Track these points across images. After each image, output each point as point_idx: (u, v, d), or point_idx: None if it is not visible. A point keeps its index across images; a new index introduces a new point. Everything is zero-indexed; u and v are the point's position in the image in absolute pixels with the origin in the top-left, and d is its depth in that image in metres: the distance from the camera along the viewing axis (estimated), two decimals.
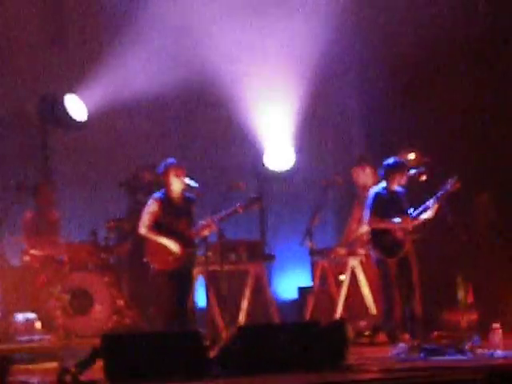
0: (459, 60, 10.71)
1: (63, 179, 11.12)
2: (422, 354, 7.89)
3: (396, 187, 9.12)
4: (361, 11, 11.44)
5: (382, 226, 9.00)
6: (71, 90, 11.06)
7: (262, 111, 11.59)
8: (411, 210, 9.04)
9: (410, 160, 9.60)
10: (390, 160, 9.13)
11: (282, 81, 11.55)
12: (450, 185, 8.91)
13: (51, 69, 11.22)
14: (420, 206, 9.00)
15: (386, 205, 9.02)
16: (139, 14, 11.14)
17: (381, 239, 9.02)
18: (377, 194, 9.09)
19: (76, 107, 11.04)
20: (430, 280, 9.46)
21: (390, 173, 9.07)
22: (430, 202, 8.92)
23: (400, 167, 9.07)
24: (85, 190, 11.10)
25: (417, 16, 10.84)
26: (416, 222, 9.03)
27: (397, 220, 8.97)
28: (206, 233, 8.91)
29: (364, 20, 11.45)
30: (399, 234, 8.99)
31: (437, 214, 8.94)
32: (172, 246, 8.65)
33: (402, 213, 8.99)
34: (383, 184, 9.12)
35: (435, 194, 8.93)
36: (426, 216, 9.00)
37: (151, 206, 8.83)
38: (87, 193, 11.09)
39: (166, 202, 8.81)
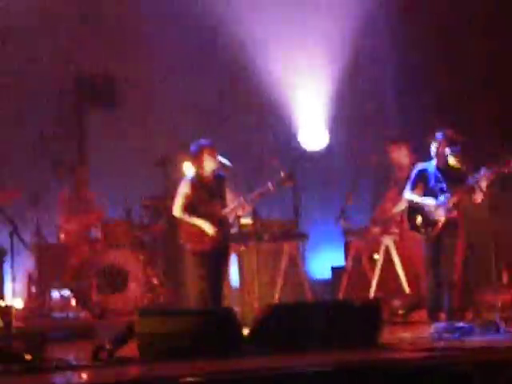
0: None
1: (99, 157, 11.18)
2: (457, 334, 7.85)
3: (447, 165, 8.88)
4: None
5: (418, 202, 8.86)
6: (108, 68, 11.11)
7: (297, 89, 11.56)
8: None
9: (450, 139, 9.40)
10: (434, 138, 8.96)
11: (317, 58, 11.51)
12: (500, 165, 8.63)
13: (89, 47, 11.25)
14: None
15: (427, 181, 8.86)
16: None
17: (415, 215, 8.89)
18: (420, 170, 8.91)
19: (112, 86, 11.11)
20: (469, 258, 9.37)
21: (433, 150, 8.91)
22: (474, 179, 8.66)
23: (441, 145, 8.85)
24: (121, 169, 11.13)
25: None
26: (459, 201, 8.82)
27: (437, 202, 8.79)
28: (239, 213, 8.90)
29: None
30: (434, 214, 8.81)
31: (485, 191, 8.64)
32: (206, 226, 8.65)
33: (447, 191, 8.79)
34: (430, 162, 8.94)
35: (488, 168, 8.62)
36: (472, 196, 8.75)
37: (183, 187, 8.83)
38: (123, 171, 11.13)
39: (199, 182, 8.80)
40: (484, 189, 8.55)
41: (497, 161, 8.65)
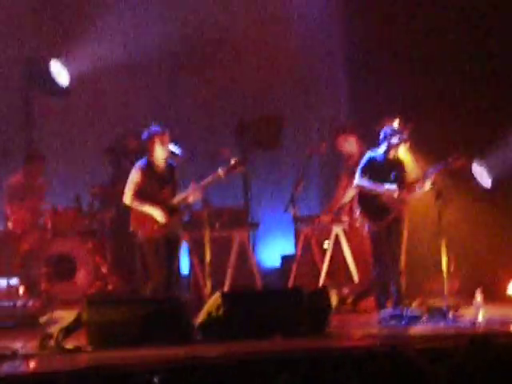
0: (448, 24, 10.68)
1: (48, 145, 11.05)
2: (404, 321, 7.94)
3: (394, 155, 9.01)
4: None
5: (369, 188, 8.91)
6: (55, 55, 10.97)
7: (247, 77, 11.54)
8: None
9: (397, 127, 9.48)
10: (383, 127, 9.04)
11: (267, 44, 11.50)
12: (452, 160, 8.75)
13: (36, 33, 11.10)
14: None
15: (378, 170, 8.94)
16: None
17: (367, 203, 8.94)
18: (370, 158, 8.99)
19: (60, 72, 10.97)
20: (415, 248, 9.46)
21: (382, 139, 8.98)
22: (426, 173, 8.79)
23: (389, 134, 8.94)
24: (69, 156, 11.04)
25: None
26: (408, 193, 8.90)
27: (387, 186, 8.90)
28: (190, 200, 8.89)
29: None
30: (387, 200, 8.87)
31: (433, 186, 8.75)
32: (156, 214, 8.62)
33: (396, 181, 8.90)
34: (381, 149, 9.01)
35: (434, 166, 8.81)
36: (420, 188, 8.84)
37: (135, 175, 8.76)
38: (72, 159, 11.03)
39: (150, 170, 8.74)
40: (431, 184, 8.68)
41: (447, 156, 8.78)
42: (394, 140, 8.89)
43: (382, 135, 8.97)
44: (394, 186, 8.84)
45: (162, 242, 8.64)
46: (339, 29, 11.79)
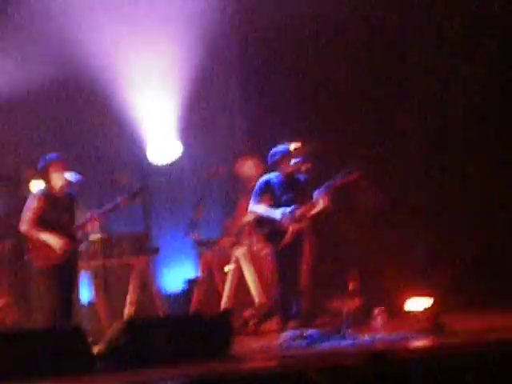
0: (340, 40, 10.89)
1: None
2: (306, 341, 8.00)
3: (293, 175, 9.05)
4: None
5: (263, 214, 8.97)
6: None
7: (146, 103, 11.51)
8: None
9: (294, 150, 9.58)
10: (275, 149, 9.13)
11: (165, 72, 11.48)
12: (343, 176, 8.87)
13: None
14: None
15: (274, 192, 9.00)
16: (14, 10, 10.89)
17: (264, 226, 9.01)
18: (265, 182, 9.07)
19: None
20: (317, 266, 9.55)
21: (274, 162, 9.08)
22: (319, 192, 8.89)
23: (283, 156, 9.05)
24: None
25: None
26: (304, 213, 8.97)
27: (281, 210, 8.94)
28: (89, 228, 8.81)
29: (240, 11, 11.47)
30: (283, 222, 8.93)
31: (328, 204, 8.86)
32: (53, 241, 8.51)
33: (296, 200, 8.94)
34: (274, 173, 9.09)
35: (324, 185, 8.91)
36: (316, 208, 8.95)
37: (32, 203, 8.70)
38: None
39: (48, 197, 8.68)
40: (326, 202, 8.79)
41: (340, 173, 8.91)
42: (290, 162, 8.99)
43: (276, 157, 9.06)
44: (287, 209, 8.92)
45: (58, 270, 8.53)
46: (234, 51, 11.89)
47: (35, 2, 10.83)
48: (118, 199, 8.69)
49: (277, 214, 8.92)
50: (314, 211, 8.91)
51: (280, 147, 9.09)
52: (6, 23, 10.88)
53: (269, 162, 9.14)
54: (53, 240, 8.53)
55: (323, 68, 10.84)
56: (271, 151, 9.10)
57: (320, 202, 8.83)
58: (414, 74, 10.79)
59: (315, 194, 8.90)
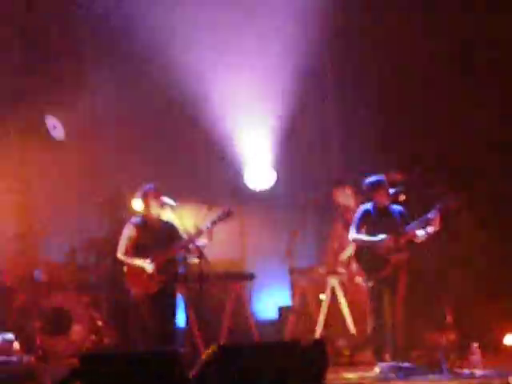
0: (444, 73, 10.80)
1: (43, 197, 11.05)
2: (401, 374, 7.90)
3: (389, 205, 8.99)
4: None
5: (365, 241, 8.89)
6: (50, 111, 11.06)
7: (242, 130, 11.61)
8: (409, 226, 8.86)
9: (390, 180, 9.50)
10: (370, 178, 9.07)
11: (262, 101, 11.58)
12: (451, 200, 8.77)
13: (32, 90, 11.17)
14: (416, 221, 8.87)
15: (372, 222, 8.93)
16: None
17: (364, 256, 8.93)
18: (365, 211, 9.01)
19: (55, 127, 11.05)
20: (413, 299, 9.44)
21: (370, 190, 9.02)
22: (431, 214, 8.78)
23: (379, 185, 8.98)
24: (64, 209, 11.04)
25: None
26: (408, 238, 8.81)
27: (381, 237, 8.88)
28: (186, 251, 8.91)
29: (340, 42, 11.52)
30: (383, 252, 8.85)
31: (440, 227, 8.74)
32: (146, 266, 8.68)
33: (392, 231, 8.88)
34: (371, 202, 9.03)
35: (434, 207, 8.76)
36: (427, 230, 8.79)
37: (128, 231, 8.93)
38: (67, 212, 11.03)
39: (143, 225, 8.87)
40: (432, 230, 8.68)
41: (443, 200, 8.78)
42: (386, 192, 8.91)
43: (372, 186, 8.99)
44: (389, 237, 8.82)
45: (156, 296, 8.65)
46: (331, 81, 11.93)
47: (144, 34, 11.11)
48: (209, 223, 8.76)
49: (378, 238, 8.81)
50: (426, 234, 8.75)
51: (376, 177, 9.01)
52: (118, 54, 11.19)
53: (365, 191, 9.08)
54: (144, 265, 8.70)
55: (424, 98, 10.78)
56: (366, 180, 9.04)
57: (432, 224, 8.69)
58: None
59: (426, 216, 8.75)
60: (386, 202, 8.94)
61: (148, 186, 8.97)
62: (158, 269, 8.71)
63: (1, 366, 9.17)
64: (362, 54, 11.32)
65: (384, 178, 9.04)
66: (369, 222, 8.93)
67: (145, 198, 8.92)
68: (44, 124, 11.01)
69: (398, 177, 9.38)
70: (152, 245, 8.79)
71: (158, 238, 8.83)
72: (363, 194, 9.22)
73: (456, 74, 10.77)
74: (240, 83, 11.23)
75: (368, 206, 9.02)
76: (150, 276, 8.67)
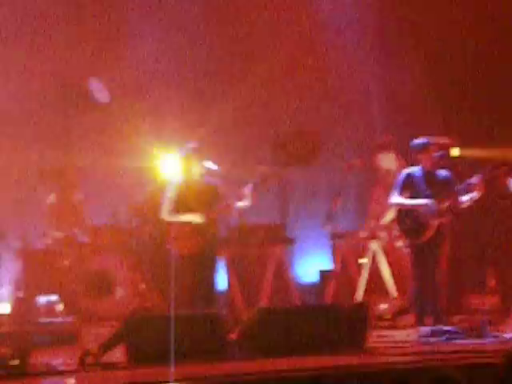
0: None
1: (85, 160, 11.12)
2: (443, 337, 7.88)
3: (435, 169, 8.90)
4: None
5: (407, 205, 8.82)
6: (93, 74, 11.10)
7: (284, 93, 11.59)
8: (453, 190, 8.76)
9: (436, 144, 9.36)
10: (416, 141, 8.97)
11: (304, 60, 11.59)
12: (493, 168, 8.67)
13: (73, 53, 11.22)
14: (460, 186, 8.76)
15: (416, 186, 8.85)
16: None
17: (405, 220, 8.87)
18: (408, 175, 8.93)
19: (99, 90, 11.08)
20: (455, 263, 9.38)
21: (417, 152, 8.92)
22: (474, 179, 8.65)
23: (425, 147, 8.87)
24: (107, 173, 11.09)
25: None
26: (452, 203, 8.72)
27: (423, 201, 8.82)
28: (227, 214, 8.95)
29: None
30: (425, 216, 8.78)
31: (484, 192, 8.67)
32: (194, 218, 8.70)
33: (436, 195, 8.76)
34: (415, 167, 8.95)
35: (478, 174, 8.67)
36: (469, 197, 8.73)
37: (170, 192, 8.91)
38: (110, 176, 11.09)
39: (185, 186, 8.87)
40: (475, 195, 8.61)
41: (487, 166, 8.70)
42: (433, 157, 8.81)
43: (418, 149, 8.90)
44: (432, 201, 8.75)
45: (197, 258, 8.70)
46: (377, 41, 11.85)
47: None
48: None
49: (420, 203, 8.74)
50: (469, 199, 8.67)
51: (421, 139, 8.92)
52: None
53: (411, 153, 8.97)
54: (193, 217, 8.72)
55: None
56: (412, 143, 8.95)
57: (476, 189, 8.60)
58: None
59: (469, 181, 8.66)
60: (432, 166, 8.84)
61: (190, 146, 8.95)
62: (199, 230, 8.73)
63: (44, 328, 9.32)
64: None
65: (431, 140, 8.94)
66: (412, 186, 8.86)
67: (186, 158, 8.90)
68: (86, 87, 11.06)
69: (446, 141, 9.27)
70: (194, 206, 8.80)
71: (199, 199, 8.84)
72: (407, 158, 9.13)
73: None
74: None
75: (412, 169, 8.94)
76: (195, 237, 8.71)
